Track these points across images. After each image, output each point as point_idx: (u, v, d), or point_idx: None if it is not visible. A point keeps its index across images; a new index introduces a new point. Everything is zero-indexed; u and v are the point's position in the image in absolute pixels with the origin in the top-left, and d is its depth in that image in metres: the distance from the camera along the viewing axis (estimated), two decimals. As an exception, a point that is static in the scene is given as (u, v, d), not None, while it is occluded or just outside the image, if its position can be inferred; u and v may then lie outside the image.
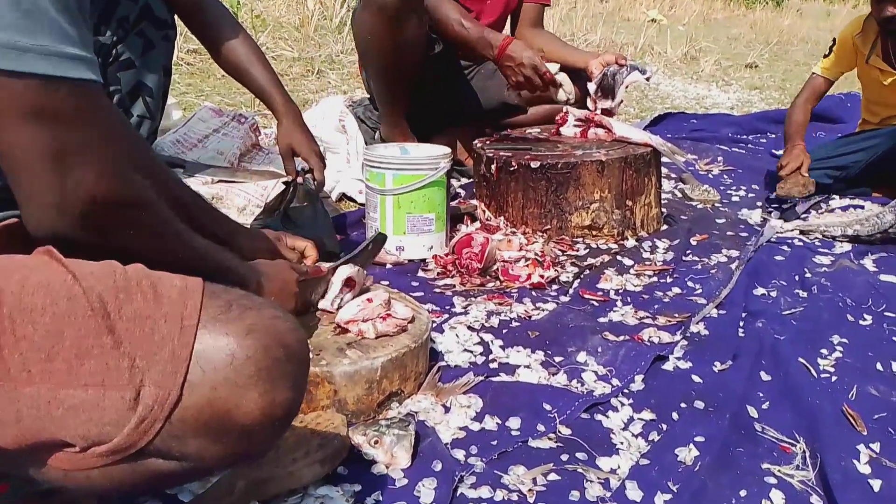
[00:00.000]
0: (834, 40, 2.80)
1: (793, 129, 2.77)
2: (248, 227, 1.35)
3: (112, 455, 0.72)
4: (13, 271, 0.72)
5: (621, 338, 1.53)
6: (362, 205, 2.25)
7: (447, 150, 1.97)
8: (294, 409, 0.77)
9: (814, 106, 2.85)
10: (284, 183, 1.88)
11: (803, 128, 2.78)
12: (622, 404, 1.30)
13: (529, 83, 2.19)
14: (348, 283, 1.31)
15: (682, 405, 1.30)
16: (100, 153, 0.78)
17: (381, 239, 1.50)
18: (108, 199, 0.79)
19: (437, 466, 1.08)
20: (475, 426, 1.21)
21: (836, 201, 2.60)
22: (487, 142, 2.31)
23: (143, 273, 0.74)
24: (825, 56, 2.82)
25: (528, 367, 1.41)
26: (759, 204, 2.61)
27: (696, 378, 1.39)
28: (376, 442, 1.09)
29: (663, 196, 2.40)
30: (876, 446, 1.19)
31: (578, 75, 2.33)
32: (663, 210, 2.32)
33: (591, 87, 2.30)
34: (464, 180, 2.64)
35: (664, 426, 1.24)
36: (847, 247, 2.16)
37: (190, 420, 0.71)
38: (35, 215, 0.78)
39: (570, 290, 1.80)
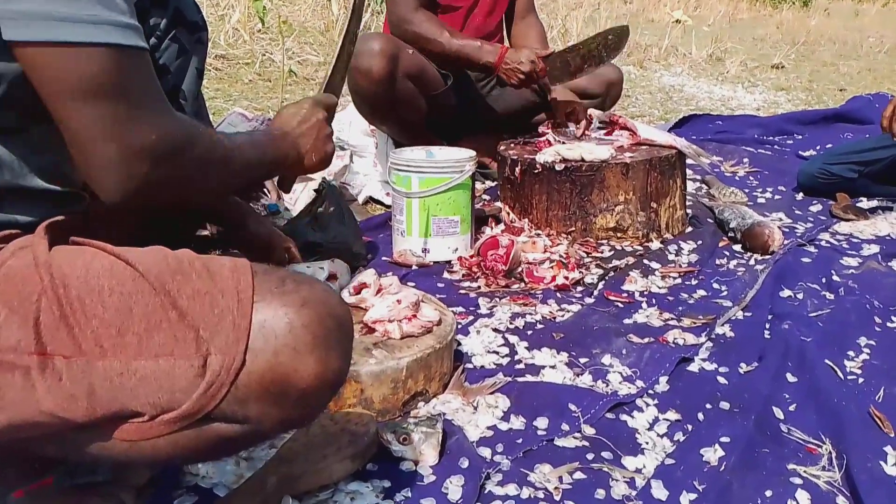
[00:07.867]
0: None
1: None
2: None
3: (181, 421, 0.77)
4: (75, 258, 0.78)
5: (646, 340, 1.53)
6: (389, 207, 2.28)
7: (472, 153, 1.99)
8: (343, 375, 0.83)
9: None
10: (315, 191, 1.92)
11: None
12: (647, 405, 1.30)
13: (529, 80, 2.35)
14: (331, 277, 1.37)
15: (708, 406, 1.30)
16: (155, 108, 0.82)
17: (351, 40, 1.50)
18: (168, 145, 0.81)
19: (465, 464, 1.09)
20: (503, 426, 1.22)
21: (864, 203, 2.58)
22: (512, 144, 2.33)
23: (192, 255, 0.80)
24: None
25: (553, 367, 1.42)
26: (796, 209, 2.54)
27: (721, 379, 1.40)
28: (405, 439, 1.11)
29: (688, 198, 2.40)
30: (903, 448, 1.19)
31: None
32: (688, 212, 2.32)
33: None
34: (488, 183, 2.66)
35: (689, 427, 1.24)
36: (875, 249, 2.14)
37: (253, 384, 0.76)
38: (106, 183, 0.79)
39: (595, 292, 1.80)
